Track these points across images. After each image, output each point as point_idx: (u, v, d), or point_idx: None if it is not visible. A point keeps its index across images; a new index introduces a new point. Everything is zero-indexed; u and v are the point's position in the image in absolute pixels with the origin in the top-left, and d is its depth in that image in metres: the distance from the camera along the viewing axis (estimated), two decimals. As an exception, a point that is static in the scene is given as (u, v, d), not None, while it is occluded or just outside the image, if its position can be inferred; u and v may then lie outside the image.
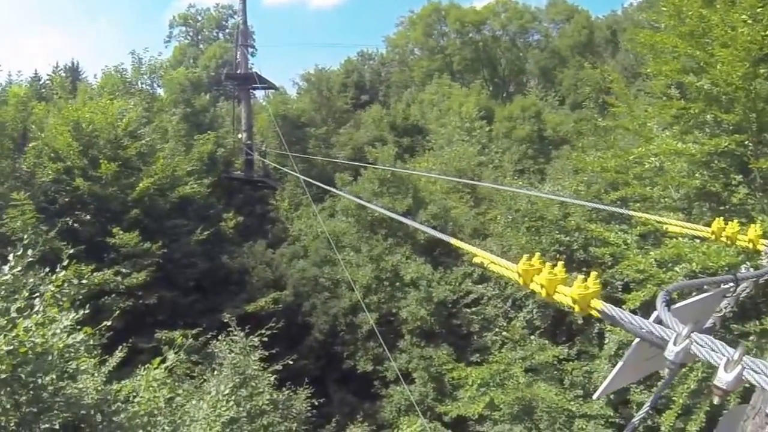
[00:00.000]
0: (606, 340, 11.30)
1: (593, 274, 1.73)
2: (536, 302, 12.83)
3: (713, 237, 2.92)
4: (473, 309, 14.02)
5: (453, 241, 3.48)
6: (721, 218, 2.84)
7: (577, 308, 1.69)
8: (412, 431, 11.77)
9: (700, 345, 1.33)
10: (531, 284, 1.88)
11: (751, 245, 2.77)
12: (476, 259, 2.33)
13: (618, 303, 9.99)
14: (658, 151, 9.46)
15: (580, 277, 1.70)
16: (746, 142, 8.54)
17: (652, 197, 9.97)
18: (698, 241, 8.41)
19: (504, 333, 13.15)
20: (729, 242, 2.86)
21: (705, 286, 2.07)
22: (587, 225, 11.37)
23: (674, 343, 1.36)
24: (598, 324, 11.93)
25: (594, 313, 1.68)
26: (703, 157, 8.93)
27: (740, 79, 8.30)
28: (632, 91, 13.48)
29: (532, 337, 12.62)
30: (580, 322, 12.09)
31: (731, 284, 2.04)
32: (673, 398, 8.53)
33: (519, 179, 16.23)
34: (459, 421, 12.67)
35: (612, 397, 10.88)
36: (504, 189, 13.64)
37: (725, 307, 2.05)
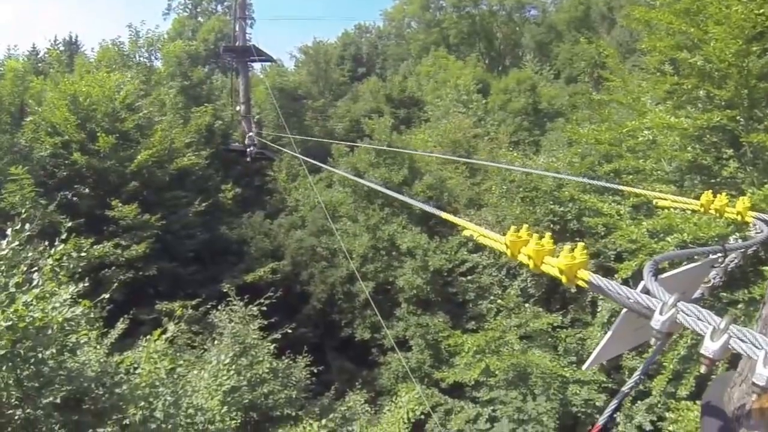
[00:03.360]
0: (599, 308, 11.42)
1: (580, 244, 1.73)
2: (530, 271, 12.92)
3: (702, 210, 2.98)
4: (468, 277, 14.12)
5: (443, 214, 3.53)
6: (710, 191, 2.89)
7: (564, 279, 1.68)
8: (410, 398, 11.92)
9: (687, 314, 1.33)
10: (519, 256, 1.89)
11: (739, 217, 2.81)
12: (465, 232, 2.36)
13: (611, 272, 10.14)
14: (651, 124, 9.47)
15: (567, 247, 1.70)
16: (738, 118, 8.55)
17: (645, 169, 9.98)
18: (690, 212, 8.49)
19: (499, 301, 13.26)
20: (718, 215, 2.92)
21: (694, 257, 2.11)
22: (581, 196, 11.40)
23: (660, 313, 1.36)
24: (591, 293, 12.06)
25: (581, 283, 1.69)
26: (695, 131, 8.94)
27: (733, 56, 8.27)
28: (627, 67, 13.44)
29: (527, 305, 12.73)
30: (573, 290, 12.20)
31: (719, 255, 2.06)
32: (664, 364, 8.69)
33: (514, 151, 16.23)
34: (456, 387, 12.84)
35: (605, 363, 11.07)
36: (496, 165, 13.64)
37: (714, 278, 2.07)
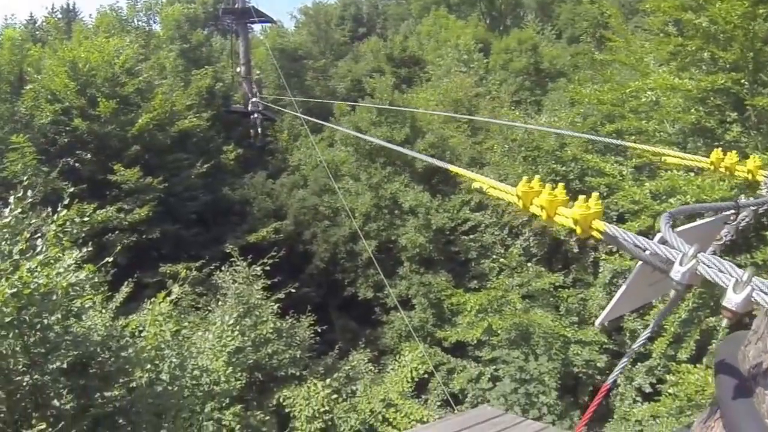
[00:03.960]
0: (600, 269, 11.47)
1: (594, 194, 1.71)
2: (533, 230, 12.92)
3: (712, 167, 2.89)
4: (471, 236, 14.11)
5: (451, 167, 3.52)
6: (720, 149, 2.80)
7: (578, 230, 1.65)
8: (413, 357, 12.04)
9: (707, 266, 1.29)
10: (530, 207, 1.87)
11: (750, 176, 2.75)
12: (475, 184, 2.34)
13: (613, 233, 10.13)
14: (655, 85, 9.34)
15: (582, 197, 1.67)
16: (742, 81, 8.42)
17: (648, 131, 9.87)
18: (693, 174, 8.44)
19: (501, 260, 13.28)
20: (728, 173, 2.86)
21: (707, 212, 2.08)
22: (583, 155, 11.32)
23: (680, 263, 1.32)
24: (593, 253, 12.07)
25: (596, 234, 1.65)
26: (699, 93, 8.82)
27: (739, 18, 8.10)
28: (630, 27, 13.19)
29: (529, 264, 12.74)
30: (575, 251, 12.22)
31: (732, 211, 2.00)
32: (665, 326, 8.75)
33: (516, 110, 16.05)
34: (458, 346, 12.98)
35: (606, 324, 11.15)
36: (498, 123, 13.49)
37: (725, 235, 2.01)
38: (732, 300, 1.17)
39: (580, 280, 12.26)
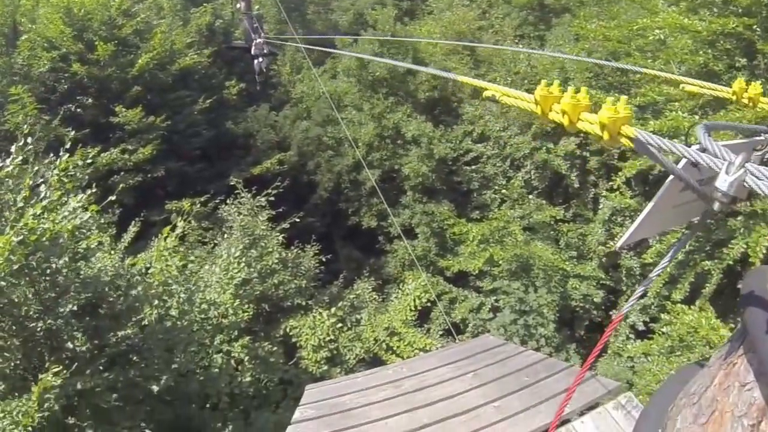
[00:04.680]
0: (600, 206, 11.52)
1: (623, 97, 1.57)
2: (534, 163, 12.90)
3: (734, 97, 2.67)
4: (473, 167, 14.07)
5: (461, 78, 3.37)
6: (743, 78, 2.62)
7: (606, 135, 1.52)
8: (416, 285, 12.26)
9: (757, 177, 1.19)
10: (550, 114, 1.73)
11: None
12: (487, 93, 2.22)
13: (615, 170, 10.14)
14: (663, 24, 8.99)
15: (610, 98, 1.52)
16: (755, 26, 8.16)
17: (654, 70, 9.68)
18: (697, 117, 8.34)
19: (503, 191, 13.31)
20: (751, 104, 2.64)
21: (739, 134, 1.97)
22: (588, 91, 11.11)
23: (727, 173, 1.22)
24: (593, 189, 12.10)
25: (625, 141, 1.52)
26: (708, 35, 8.51)
27: (756, -41, 7.83)
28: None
29: (530, 196, 12.78)
30: (576, 186, 12.23)
31: (764, 136, 1.80)
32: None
33: (519, 43, 15.70)
34: (460, 276, 13.19)
35: (604, 260, 11.31)
36: (502, 48, 13.22)
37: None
38: None
39: (580, 215, 12.32)
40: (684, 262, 8.77)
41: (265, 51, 17.32)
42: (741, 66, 8.48)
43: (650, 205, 1.57)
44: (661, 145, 1.41)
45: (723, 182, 1.22)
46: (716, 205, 1.27)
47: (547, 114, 1.72)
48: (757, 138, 1.80)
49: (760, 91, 2.59)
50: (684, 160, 1.42)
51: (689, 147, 1.38)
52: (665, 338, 8.65)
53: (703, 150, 1.32)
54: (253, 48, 17.06)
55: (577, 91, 1.66)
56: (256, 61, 17.43)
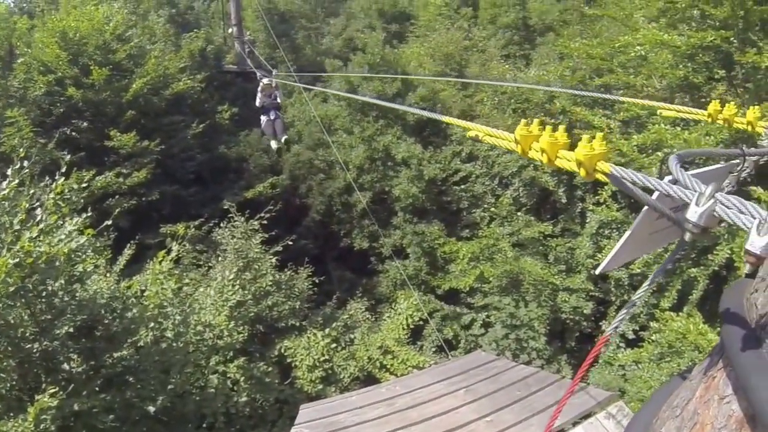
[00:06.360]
0: (588, 220, 11.70)
1: (599, 134, 1.62)
2: (522, 180, 13.11)
3: (710, 119, 2.87)
4: (462, 186, 14.26)
5: (445, 118, 3.56)
6: (717, 100, 2.80)
7: (582, 172, 1.58)
8: (408, 304, 12.35)
9: (726, 206, 1.21)
10: (530, 152, 1.80)
11: (749, 127, 2.74)
12: (470, 133, 2.30)
13: (601, 185, 10.34)
14: (644, 41, 9.30)
15: (586, 136, 1.59)
16: (732, 39, 8.43)
17: (636, 85, 9.95)
18: (680, 128, 8.57)
19: (492, 209, 13.51)
20: (726, 124, 2.81)
21: (712, 159, 2.04)
22: (572, 108, 11.40)
23: (696, 204, 1.25)
24: (580, 204, 12.30)
25: (600, 176, 1.59)
26: (687, 49, 8.80)
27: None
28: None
29: (519, 213, 12.99)
30: (563, 201, 12.42)
31: (739, 159, 1.91)
32: (648, 275, 9.03)
33: (505, 63, 16.01)
34: (451, 293, 13.32)
35: (592, 272, 11.46)
36: (488, 83, 13.48)
37: (727, 185, 1.93)
38: (756, 243, 1.09)
39: (568, 230, 12.50)
40: (671, 270, 8.93)
41: (278, 99, 13.62)
42: (720, 77, 8.75)
43: (627, 233, 1.61)
44: (634, 179, 1.49)
45: (693, 213, 1.25)
46: (687, 236, 1.31)
47: (527, 152, 1.80)
48: (733, 162, 1.91)
49: (734, 112, 2.79)
50: (657, 192, 1.46)
51: (662, 178, 1.44)
52: (655, 345, 8.77)
53: (675, 182, 1.37)
54: (258, 96, 12.91)
55: (555, 129, 1.73)
56: (264, 118, 13.30)
